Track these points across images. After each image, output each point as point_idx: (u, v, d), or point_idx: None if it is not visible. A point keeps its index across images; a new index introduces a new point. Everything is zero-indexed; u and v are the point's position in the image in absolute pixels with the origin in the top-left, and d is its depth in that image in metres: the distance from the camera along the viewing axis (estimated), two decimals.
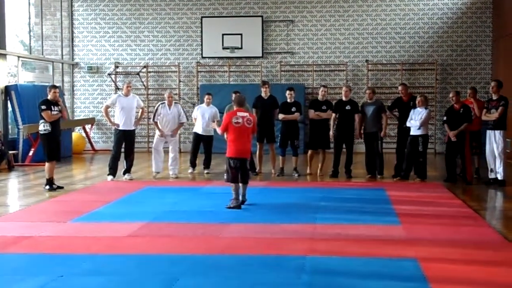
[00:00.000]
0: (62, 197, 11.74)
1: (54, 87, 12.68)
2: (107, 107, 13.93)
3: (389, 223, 9.25)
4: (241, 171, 10.34)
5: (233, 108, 14.29)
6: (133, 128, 13.95)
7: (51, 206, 10.92)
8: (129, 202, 11.10)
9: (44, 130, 12.26)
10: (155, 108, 14.44)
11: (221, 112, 15.71)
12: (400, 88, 14.36)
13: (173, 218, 9.55)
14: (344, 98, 14.23)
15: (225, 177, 10.62)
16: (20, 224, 9.27)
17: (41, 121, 12.28)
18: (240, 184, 10.41)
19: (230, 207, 10.16)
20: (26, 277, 6.44)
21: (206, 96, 15.09)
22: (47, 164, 12.41)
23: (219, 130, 10.79)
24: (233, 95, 14.51)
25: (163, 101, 14.42)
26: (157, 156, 14.19)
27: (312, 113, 14.34)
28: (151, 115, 14.96)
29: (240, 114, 10.42)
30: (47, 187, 12.38)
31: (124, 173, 13.86)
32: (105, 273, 6.63)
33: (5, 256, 7.40)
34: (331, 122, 14.21)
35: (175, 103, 14.54)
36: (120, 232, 8.58)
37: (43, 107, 12.19)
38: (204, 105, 14.99)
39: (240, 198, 10.38)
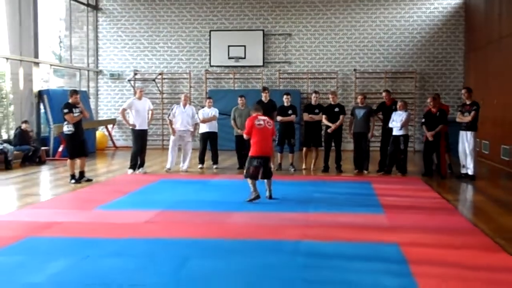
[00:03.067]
0: (87, 188, 11.74)
1: (76, 92, 12.57)
2: (124, 110, 13.93)
3: (374, 212, 9.24)
4: (263, 168, 10.07)
5: (239, 109, 14.47)
6: (147, 127, 13.99)
7: (78, 195, 10.94)
8: (146, 192, 11.09)
9: (68, 131, 12.17)
10: (172, 108, 14.53)
11: (227, 114, 15.78)
12: (383, 94, 14.38)
13: (184, 207, 9.55)
14: (332, 102, 14.26)
15: (244, 173, 10.27)
16: (51, 211, 9.30)
17: (65, 122, 12.21)
18: (265, 181, 10.19)
19: (250, 200, 9.87)
20: (56, 257, 6.47)
21: (208, 100, 15.20)
22: (69, 161, 12.39)
23: (244, 135, 10.48)
24: (239, 99, 14.63)
25: (179, 102, 14.53)
26: (173, 155, 14.22)
27: (306, 116, 14.35)
28: (166, 116, 14.94)
29: (260, 117, 10.24)
30: (73, 181, 12.28)
31: (138, 168, 13.85)
32: (126, 255, 6.65)
33: (39, 239, 7.41)
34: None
35: (189, 104, 14.59)
36: (139, 218, 8.59)
37: (66, 110, 12.11)
38: (206, 108, 15.01)
39: (267, 194, 10.14)
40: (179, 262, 6.32)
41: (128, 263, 6.28)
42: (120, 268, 6.10)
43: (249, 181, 10.04)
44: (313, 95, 14.66)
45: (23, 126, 15.89)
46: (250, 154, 10.21)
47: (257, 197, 9.94)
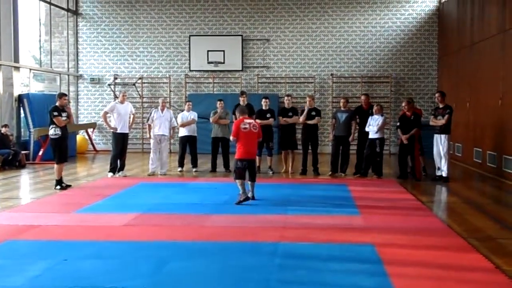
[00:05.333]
0: (67, 191, 11.61)
1: (64, 95, 12.21)
2: (106, 113, 13.80)
3: (350, 213, 9.25)
4: (249, 170, 10.15)
5: (218, 113, 14.44)
6: (128, 131, 13.86)
7: (57, 199, 10.80)
8: (125, 196, 11.00)
9: (55, 134, 11.71)
10: (150, 112, 14.44)
11: (206, 118, 15.74)
12: (363, 97, 14.36)
13: (163, 210, 9.48)
14: (309, 106, 14.21)
15: (233, 175, 10.39)
16: (31, 214, 9.18)
17: (52, 126, 11.71)
18: (249, 182, 10.22)
19: (240, 201, 9.89)
20: (35, 260, 6.38)
21: (187, 104, 15.15)
22: (56, 166, 11.90)
23: (231, 138, 10.41)
24: (217, 102, 14.59)
25: (157, 106, 14.42)
26: (155, 158, 14.12)
27: (280, 120, 14.33)
28: (145, 120, 14.85)
29: (246, 121, 10.26)
30: (58, 187, 11.82)
31: (118, 171, 13.75)
32: (103, 257, 6.59)
33: (17, 242, 7.32)
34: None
35: (167, 108, 14.51)
36: (117, 221, 8.52)
37: (55, 113, 11.66)
38: (185, 111, 14.94)
39: (249, 194, 10.13)
40: (157, 264, 6.26)
41: (106, 266, 6.21)
42: (99, 271, 6.02)
43: (238, 183, 10.08)
44: (285, 98, 14.65)
45: (3, 130, 15.68)
46: (235, 156, 10.26)
47: (247, 198, 9.98)
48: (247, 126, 10.18)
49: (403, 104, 13.62)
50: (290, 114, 14.28)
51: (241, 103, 14.16)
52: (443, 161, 12.94)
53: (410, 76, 20.84)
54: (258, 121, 13.82)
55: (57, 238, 7.51)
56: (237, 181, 10.11)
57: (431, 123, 13.18)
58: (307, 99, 14.38)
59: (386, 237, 7.55)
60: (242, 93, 14.75)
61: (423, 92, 20.69)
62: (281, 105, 19.99)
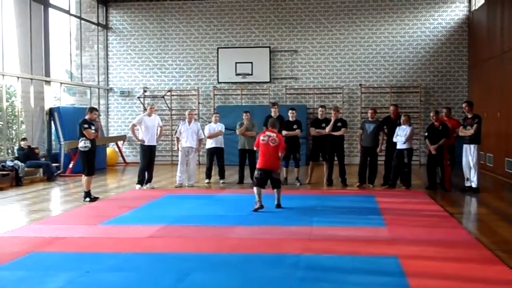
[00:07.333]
0: (95, 203, 11.70)
1: (95, 109, 12.38)
2: (134, 125, 13.88)
3: (376, 225, 9.13)
4: (270, 179, 10.70)
5: (245, 125, 14.44)
6: (155, 143, 13.93)
7: (85, 211, 10.90)
8: (151, 208, 11.04)
9: (85, 147, 11.81)
10: (178, 125, 14.48)
11: (232, 129, 15.73)
12: (392, 108, 14.22)
13: (188, 222, 9.48)
14: (334, 118, 14.09)
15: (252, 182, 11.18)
16: (57, 226, 9.26)
17: (82, 138, 11.81)
18: (275, 190, 10.78)
19: (255, 209, 10.31)
20: (57, 272, 6.42)
21: (214, 115, 15.20)
22: (86, 178, 11.96)
23: (254, 147, 11.52)
24: (243, 114, 14.57)
25: (185, 119, 14.46)
26: (182, 170, 14.16)
27: (313, 131, 14.23)
28: (174, 132, 14.93)
29: (268, 133, 10.82)
30: (87, 199, 11.93)
31: (146, 183, 13.82)
32: (126, 269, 6.61)
33: (41, 254, 7.38)
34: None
35: (194, 120, 14.53)
36: (142, 233, 8.54)
37: (85, 125, 11.80)
38: (212, 123, 14.97)
39: (275, 202, 10.71)
40: (180, 276, 6.25)
41: (128, 278, 6.23)
42: (120, 283, 6.05)
43: (254, 191, 10.47)
44: (319, 109, 14.49)
45: (22, 143, 15.80)
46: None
47: (261, 207, 10.32)
48: (266, 138, 10.72)
49: (431, 114, 13.44)
50: (323, 125, 14.13)
51: (273, 114, 14.10)
52: (472, 171, 12.72)
53: (440, 86, 20.59)
54: (284, 132, 13.83)
55: (81, 250, 7.55)
56: (254, 189, 10.56)
57: (460, 133, 12.98)
58: (332, 112, 14.24)
59: (411, 249, 7.43)
60: (274, 104, 14.69)
61: (453, 102, 20.37)
62: (309, 116, 20.06)
